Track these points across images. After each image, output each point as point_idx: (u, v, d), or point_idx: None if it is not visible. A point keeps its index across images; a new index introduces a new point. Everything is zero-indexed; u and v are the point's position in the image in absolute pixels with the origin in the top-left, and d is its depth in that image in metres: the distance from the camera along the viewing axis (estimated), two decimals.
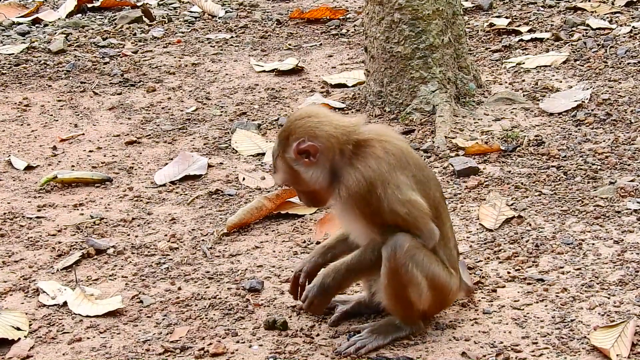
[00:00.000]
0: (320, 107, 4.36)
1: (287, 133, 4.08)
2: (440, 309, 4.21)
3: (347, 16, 8.97)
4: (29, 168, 6.20)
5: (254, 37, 8.57)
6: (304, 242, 5.11)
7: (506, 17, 8.43)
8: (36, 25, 9.10)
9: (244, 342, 4.19)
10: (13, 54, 8.17)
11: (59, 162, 6.30)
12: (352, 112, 6.69)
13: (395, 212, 3.96)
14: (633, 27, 7.84)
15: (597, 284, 4.50)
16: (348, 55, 7.98)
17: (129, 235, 5.29)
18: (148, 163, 6.23)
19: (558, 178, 5.62)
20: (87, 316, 4.48)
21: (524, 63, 7.37)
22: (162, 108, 7.10)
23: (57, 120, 6.92)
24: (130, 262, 4.99)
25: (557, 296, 4.42)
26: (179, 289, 4.69)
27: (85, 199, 5.75)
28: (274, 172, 4.20)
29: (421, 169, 4.09)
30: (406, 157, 4.05)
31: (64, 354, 4.20)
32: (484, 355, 4.01)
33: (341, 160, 4.01)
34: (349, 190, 3.96)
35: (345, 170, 3.99)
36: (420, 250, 4.01)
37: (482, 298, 4.43)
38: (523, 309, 4.33)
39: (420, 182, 4.05)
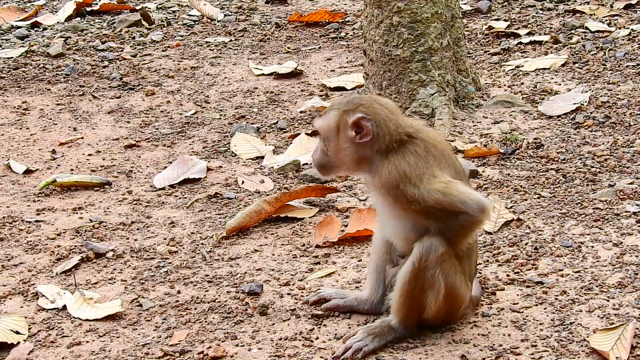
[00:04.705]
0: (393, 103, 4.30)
1: (360, 102, 4.07)
2: (444, 320, 4.19)
3: (346, 19, 8.97)
4: (28, 172, 6.20)
5: (253, 40, 8.57)
6: (303, 245, 5.11)
7: (505, 20, 8.43)
8: (35, 29, 9.11)
9: (243, 346, 4.19)
10: (12, 57, 8.17)
11: (58, 165, 6.30)
12: None
13: (435, 191, 3.92)
14: (632, 29, 7.85)
15: (597, 286, 4.50)
16: (347, 58, 7.99)
17: (128, 238, 5.29)
18: (147, 166, 6.23)
19: (557, 181, 5.63)
20: (87, 320, 4.48)
21: (522, 66, 7.37)
22: (161, 111, 7.11)
23: (56, 124, 6.92)
24: (130, 265, 4.99)
25: (556, 299, 4.42)
26: (178, 292, 4.69)
27: (85, 202, 5.75)
28: (321, 117, 4.13)
29: (460, 176, 4.09)
30: (446, 159, 4.05)
31: (63, 358, 4.20)
32: (484, 358, 4.01)
33: (381, 154, 4.02)
34: (381, 179, 3.98)
35: (381, 162, 4.00)
36: (451, 258, 4.02)
37: (482, 301, 4.42)
38: (522, 312, 4.33)
39: None
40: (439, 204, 3.94)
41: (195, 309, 4.52)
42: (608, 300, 4.38)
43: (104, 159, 6.36)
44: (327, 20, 8.90)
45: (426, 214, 3.97)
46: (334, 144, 4.09)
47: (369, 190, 4.19)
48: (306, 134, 6.41)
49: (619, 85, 6.90)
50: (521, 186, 5.59)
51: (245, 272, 4.84)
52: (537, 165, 5.84)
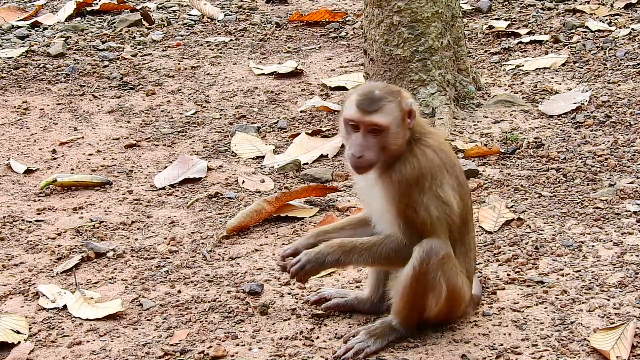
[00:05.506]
0: None
1: (398, 92, 4.03)
2: (445, 318, 4.19)
3: (346, 19, 8.97)
4: (28, 171, 6.20)
5: (253, 40, 8.57)
6: None
7: (505, 20, 8.43)
8: (35, 28, 9.11)
9: (243, 345, 4.19)
10: (12, 57, 8.17)
11: (59, 165, 6.30)
12: None
13: (427, 212, 3.95)
14: (632, 29, 7.84)
15: (597, 286, 4.50)
16: (347, 58, 7.99)
17: (128, 238, 5.29)
18: (147, 166, 6.23)
19: (557, 180, 5.63)
20: (87, 319, 4.48)
21: (523, 65, 7.37)
22: (162, 111, 7.11)
23: (56, 124, 6.92)
24: (130, 265, 4.99)
25: (556, 298, 4.42)
26: (179, 292, 4.69)
27: (85, 202, 5.75)
28: (376, 111, 3.95)
29: (462, 174, 4.13)
30: (452, 159, 4.09)
31: (63, 357, 4.20)
32: (484, 358, 4.01)
33: (408, 143, 4.01)
34: (402, 174, 3.95)
35: (406, 154, 3.99)
36: (451, 259, 4.02)
37: (482, 300, 4.42)
38: (523, 311, 4.33)
39: (460, 185, 4.08)
40: (422, 222, 3.96)
41: (196, 308, 4.52)
42: (608, 300, 4.38)
43: (104, 159, 6.36)
44: (327, 20, 8.90)
45: (405, 217, 3.97)
46: (400, 135, 3.99)
47: (374, 182, 4.10)
48: (307, 133, 6.41)
49: (619, 84, 6.89)
50: (521, 185, 5.59)
51: (246, 272, 4.84)
52: (537, 165, 5.84)
